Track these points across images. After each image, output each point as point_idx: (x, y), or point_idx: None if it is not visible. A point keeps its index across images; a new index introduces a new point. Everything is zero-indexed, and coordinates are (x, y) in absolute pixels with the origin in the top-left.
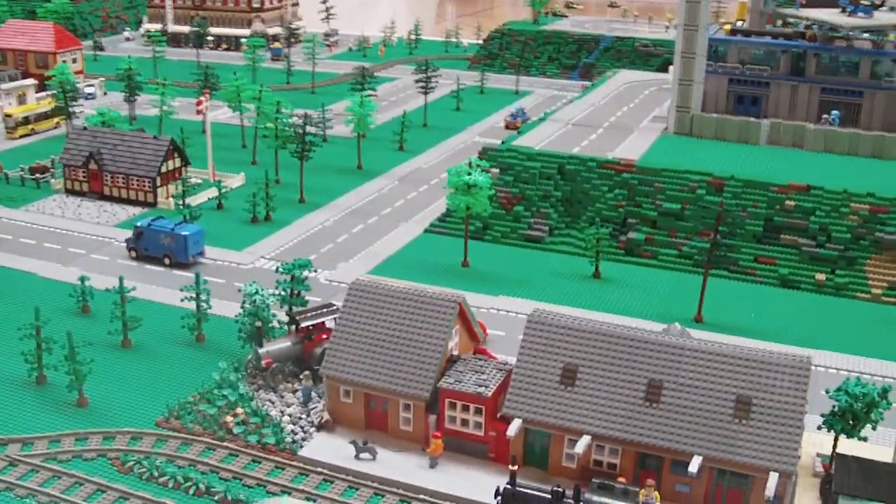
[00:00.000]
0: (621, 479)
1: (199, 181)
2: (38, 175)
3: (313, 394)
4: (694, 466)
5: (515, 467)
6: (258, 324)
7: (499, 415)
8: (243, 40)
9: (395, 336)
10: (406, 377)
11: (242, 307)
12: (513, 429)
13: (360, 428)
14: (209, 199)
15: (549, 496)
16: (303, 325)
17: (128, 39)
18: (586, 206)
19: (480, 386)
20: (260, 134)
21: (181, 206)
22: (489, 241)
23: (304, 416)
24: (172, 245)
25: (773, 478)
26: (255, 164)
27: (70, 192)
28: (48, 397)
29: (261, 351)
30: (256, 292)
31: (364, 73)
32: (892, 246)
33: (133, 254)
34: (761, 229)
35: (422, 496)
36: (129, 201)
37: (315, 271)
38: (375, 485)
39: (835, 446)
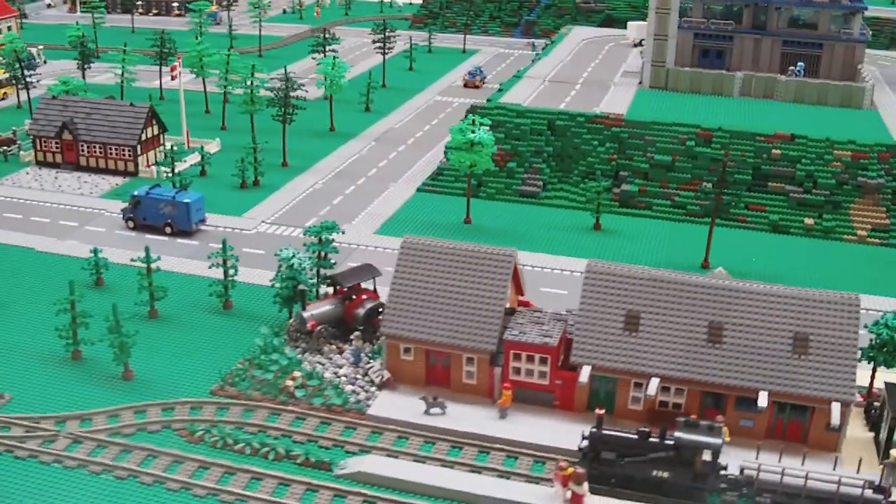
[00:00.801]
0: (719, 418)
1: (175, 147)
2: (3, 148)
3: (362, 354)
4: (763, 401)
5: (602, 411)
6: (302, 287)
7: (570, 362)
8: (175, 4)
9: (455, 292)
10: (470, 332)
11: (278, 272)
12: (584, 375)
13: (420, 384)
14: (191, 165)
15: (636, 437)
16: (343, 285)
17: (49, 6)
18: (577, 161)
19: (545, 336)
20: (232, 99)
21: (170, 174)
22: (484, 197)
23: (359, 376)
24: (174, 213)
25: (836, 407)
26: (225, 130)
27: (42, 163)
28: (89, 372)
29: (305, 314)
30: (293, 256)
31: (325, 34)
32: (873, 190)
33: (130, 224)
34: (750, 178)
35: (498, 446)
36: (107, 171)
37: (342, 232)
38: (451, 437)
39: (873, 377)
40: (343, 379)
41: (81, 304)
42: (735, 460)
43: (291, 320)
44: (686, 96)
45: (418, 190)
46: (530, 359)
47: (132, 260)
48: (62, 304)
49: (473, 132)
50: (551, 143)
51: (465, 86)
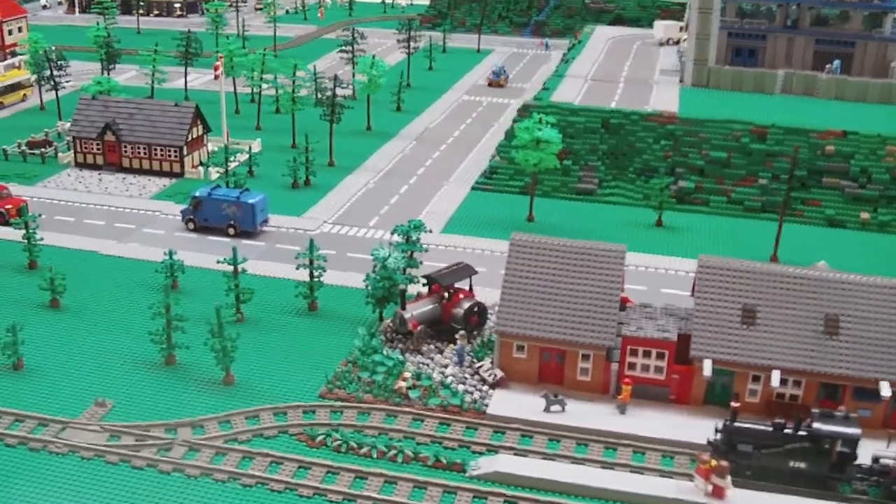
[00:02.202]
0: (841, 408)
1: (216, 148)
2: (39, 150)
3: (466, 354)
4: (886, 391)
5: (738, 404)
6: (402, 287)
7: (689, 356)
8: (177, 5)
9: (568, 288)
10: (585, 328)
11: (373, 271)
12: (707, 369)
13: (532, 382)
14: (238, 165)
15: (771, 428)
16: (443, 284)
17: (45, 7)
18: (632, 158)
19: (663, 331)
20: (265, 100)
21: (222, 174)
22: (540, 195)
23: (468, 375)
24: (238, 214)
25: None
26: (260, 130)
27: (82, 165)
28: (187, 377)
29: (406, 314)
30: (389, 256)
31: (354, 34)
32: None
33: (191, 225)
34: (805, 173)
35: (625, 441)
36: (152, 172)
37: (430, 231)
38: (575, 434)
39: None
40: (452, 379)
41: (173, 308)
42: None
43: (389, 321)
44: (729, 94)
45: (473, 188)
46: (647, 354)
47: (219, 261)
48: (156, 307)
49: (540, 130)
50: (605, 141)
51: (490, 85)
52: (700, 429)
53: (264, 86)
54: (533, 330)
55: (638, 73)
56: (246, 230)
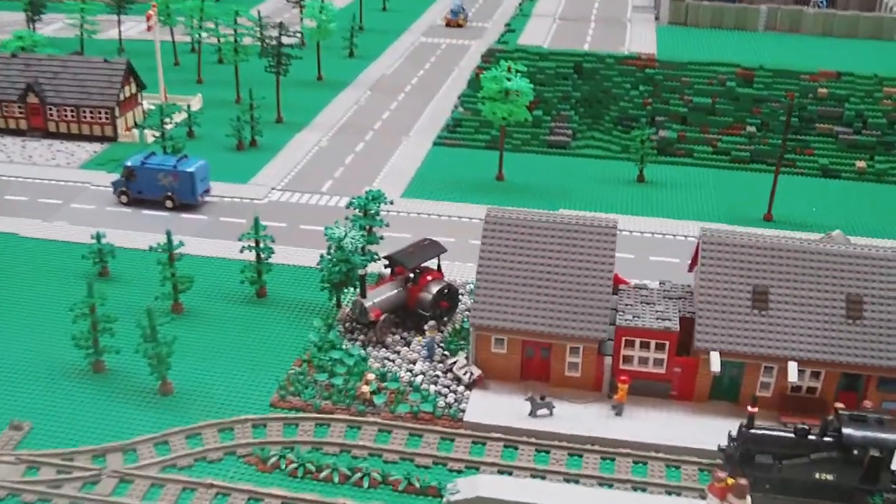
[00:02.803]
0: (867, 403)
1: (152, 107)
2: None
3: (436, 346)
4: None
5: (755, 409)
6: (362, 272)
7: (693, 347)
8: None
9: (553, 272)
10: (575, 317)
11: (328, 253)
12: (716, 363)
13: (514, 380)
14: (175, 125)
15: (793, 435)
16: (408, 266)
17: None
18: (608, 106)
19: (664, 319)
20: (206, 49)
21: (158, 137)
22: (509, 149)
23: (440, 373)
24: (176, 184)
25: None
26: (202, 83)
27: (3, 131)
28: (118, 387)
29: (366, 303)
30: (346, 235)
31: None
32: None
33: (124, 198)
34: (797, 119)
35: (625, 450)
36: (81, 137)
37: (391, 202)
38: (566, 444)
39: None
40: (422, 378)
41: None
42: None
43: (348, 310)
44: (709, 32)
45: (435, 143)
46: (645, 345)
47: (151, 248)
48: (79, 307)
49: (509, 80)
50: (578, 88)
51: (448, 25)
52: (708, 431)
53: (204, 34)
54: (514, 321)
55: (609, 10)
56: (186, 202)
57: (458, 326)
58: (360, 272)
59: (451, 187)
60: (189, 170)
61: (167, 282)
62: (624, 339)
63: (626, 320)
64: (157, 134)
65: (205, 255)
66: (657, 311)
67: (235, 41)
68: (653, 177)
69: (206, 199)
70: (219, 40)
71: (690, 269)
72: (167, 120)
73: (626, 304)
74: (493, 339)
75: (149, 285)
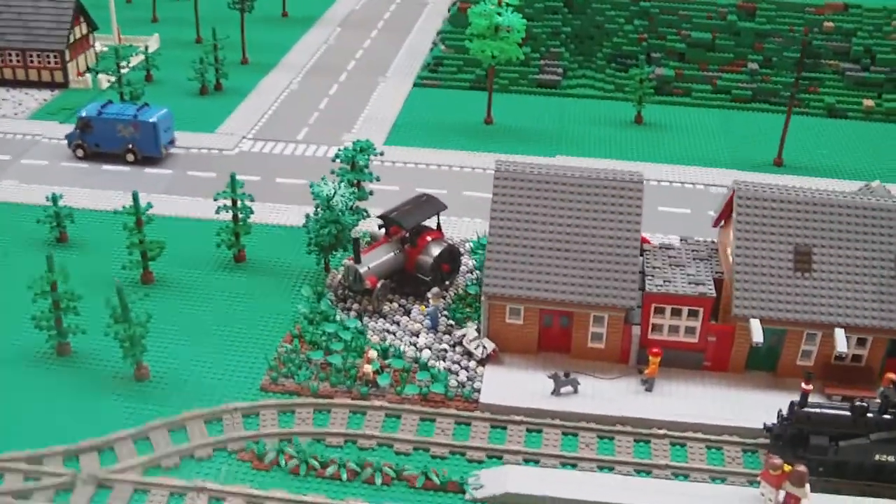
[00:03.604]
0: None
1: (105, 49)
2: None
3: (440, 316)
4: None
5: (810, 387)
6: (355, 234)
7: (731, 314)
8: None
9: (574, 233)
10: (600, 284)
11: (315, 212)
12: (757, 332)
13: (531, 352)
14: (131, 69)
15: (850, 413)
16: (406, 227)
17: None
18: (601, 42)
19: (698, 284)
20: None
21: (117, 83)
22: (496, 90)
23: (447, 346)
24: (137, 136)
25: None
26: (157, 22)
27: None
28: (87, 373)
29: (361, 269)
30: (335, 193)
31: None
32: None
33: (80, 152)
34: (800, 55)
35: (661, 431)
36: (29, 84)
37: (381, 154)
38: (595, 426)
39: None
40: (428, 354)
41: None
42: None
43: (339, 276)
44: None
45: (415, 84)
46: (677, 313)
47: (116, 212)
48: (38, 284)
49: (500, 14)
50: (569, 23)
51: None
52: (749, 407)
53: None
54: (531, 289)
55: None
56: (148, 155)
57: (461, 291)
58: (353, 234)
59: (436, 133)
60: (151, 119)
61: (135, 249)
62: (653, 306)
63: (656, 286)
64: (113, 79)
65: (173, 216)
66: (689, 275)
67: None
68: (650, 118)
69: (171, 150)
70: None
71: (716, 224)
72: (123, 63)
73: (655, 268)
74: (508, 309)
75: (113, 252)
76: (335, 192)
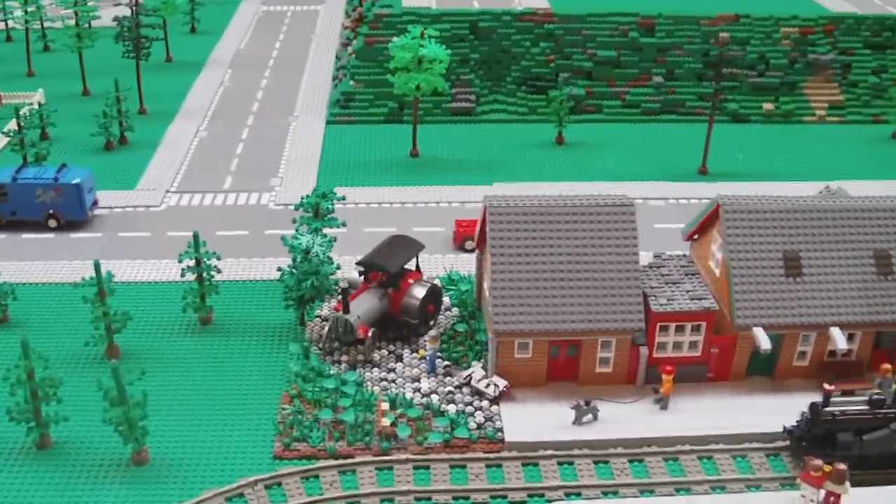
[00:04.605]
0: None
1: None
2: None
3: (437, 358)
4: None
5: (833, 387)
6: (343, 285)
7: (735, 324)
8: None
9: (574, 262)
10: (606, 309)
11: (292, 266)
12: (764, 340)
13: (540, 384)
14: (21, 127)
15: (868, 407)
16: (392, 272)
17: None
18: (509, 66)
19: (699, 299)
20: (36, 37)
21: (20, 146)
22: (409, 121)
23: (451, 388)
24: (59, 200)
25: None
26: (33, 76)
27: None
28: (77, 465)
29: (351, 319)
30: (313, 244)
31: None
32: (825, 66)
33: None
34: (700, 65)
35: (686, 447)
36: None
37: (342, 199)
38: (623, 450)
39: None
40: (435, 398)
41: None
42: None
43: (322, 328)
44: None
45: (328, 122)
46: (680, 329)
47: (76, 286)
48: (13, 373)
49: (423, 46)
50: (476, 49)
51: None
52: (760, 412)
53: (22, 19)
54: (540, 322)
55: None
56: (73, 219)
57: (447, 330)
58: (341, 284)
59: (365, 170)
60: (75, 181)
61: (100, 323)
62: (658, 324)
63: (661, 305)
64: (11, 138)
65: (118, 282)
66: (687, 291)
67: (77, 24)
68: (570, 137)
69: (95, 212)
70: (42, 24)
71: (689, 238)
72: (22, 121)
73: (654, 287)
74: (517, 344)
75: (63, 327)
76: (313, 243)
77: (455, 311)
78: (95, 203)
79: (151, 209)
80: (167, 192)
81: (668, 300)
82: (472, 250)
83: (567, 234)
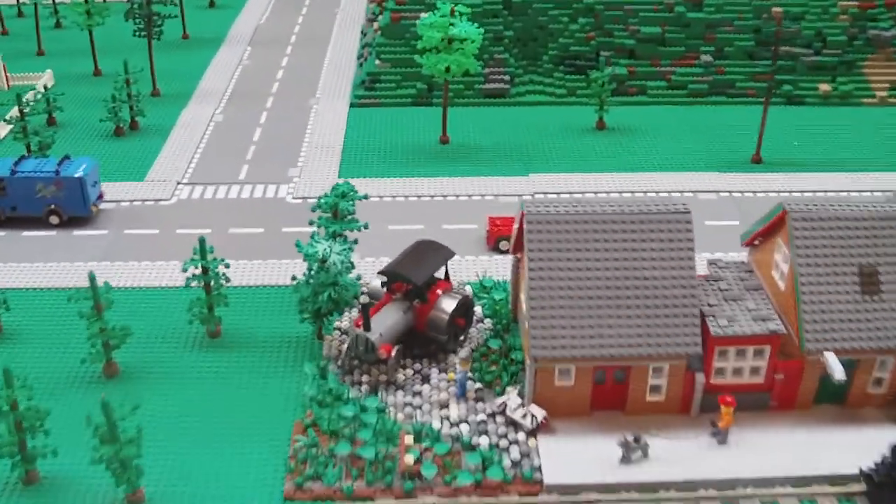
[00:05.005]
0: None
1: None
2: None
3: (468, 381)
4: None
5: None
6: (364, 298)
7: (804, 348)
8: None
9: (623, 277)
10: (660, 331)
11: (307, 276)
12: (837, 368)
13: (584, 413)
14: (28, 110)
15: None
16: (419, 283)
17: None
18: (546, 44)
19: (765, 319)
20: (47, 13)
21: (22, 134)
22: (438, 104)
23: (483, 416)
24: (62, 195)
25: None
26: (43, 55)
27: None
28: (66, 503)
29: (373, 337)
30: (330, 251)
31: None
32: (886, 44)
33: None
34: (752, 43)
35: (747, 490)
36: None
37: (364, 197)
38: (675, 494)
39: None
40: (465, 428)
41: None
42: None
43: (341, 345)
44: None
45: (351, 105)
46: (741, 354)
47: (70, 299)
48: None
49: (453, 25)
50: (511, 26)
51: None
52: (832, 448)
53: None
54: (584, 347)
55: None
56: (75, 215)
57: (479, 346)
58: (362, 299)
59: (392, 158)
60: (77, 174)
61: (96, 340)
62: (716, 349)
63: (720, 327)
64: (12, 127)
65: (122, 287)
66: (750, 309)
67: (86, 0)
68: (611, 121)
69: (100, 206)
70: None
71: (749, 243)
72: (25, 106)
73: (711, 305)
74: (557, 371)
75: (57, 339)
76: (330, 251)
77: (487, 322)
78: (101, 197)
79: (161, 203)
80: (178, 183)
81: (729, 321)
82: (507, 251)
83: (615, 245)
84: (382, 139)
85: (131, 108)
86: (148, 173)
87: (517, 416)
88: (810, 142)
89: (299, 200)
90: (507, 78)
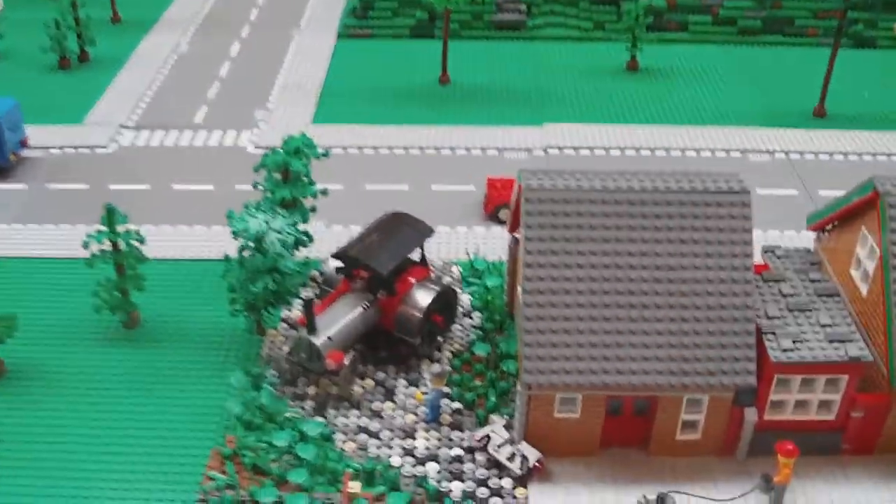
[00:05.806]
0: None
1: None
2: None
3: (441, 401)
4: None
5: None
6: (308, 295)
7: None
8: None
9: (653, 278)
10: (699, 353)
11: (240, 257)
12: None
13: (592, 453)
14: None
15: None
16: (384, 273)
17: None
18: None
19: (844, 341)
20: None
21: None
22: (441, 37)
23: (460, 450)
24: None
25: None
26: None
27: None
28: None
29: (317, 342)
30: (268, 228)
31: None
32: None
33: None
34: None
35: None
36: None
37: (326, 155)
38: None
39: None
40: (432, 469)
41: None
42: None
43: (287, 354)
44: None
45: (340, 36)
46: (808, 384)
47: None
48: None
49: None
50: None
51: None
52: None
53: None
54: (594, 372)
55: None
56: None
57: (461, 350)
58: (304, 294)
59: (379, 101)
60: None
61: None
62: (777, 377)
63: (783, 351)
64: None
65: (28, 257)
66: (823, 325)
67: None
68: (646, 62)
69: (22, 154)
70: None
71: (820, 227)
72: None
73: (770, 316)
74: (559, 399)
75: None
76: (268, 227)
77: (476, 317)
78: (24, 143)
79: (97, 151)
80: (121, 127)
81: (795, 343)
82: (505, 222)
83: (643, 234)
84: (371, 77)
85: (79, 35)
86: (87, 115)
87: (502, 455)
88: (881, 92)
89: (262, 150)
90: (523, 7)
